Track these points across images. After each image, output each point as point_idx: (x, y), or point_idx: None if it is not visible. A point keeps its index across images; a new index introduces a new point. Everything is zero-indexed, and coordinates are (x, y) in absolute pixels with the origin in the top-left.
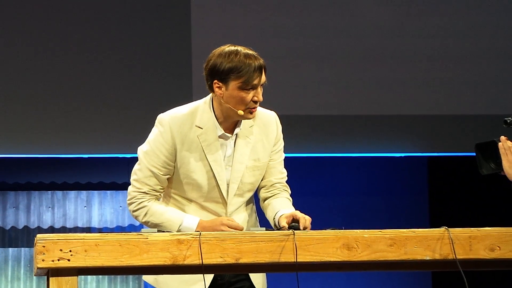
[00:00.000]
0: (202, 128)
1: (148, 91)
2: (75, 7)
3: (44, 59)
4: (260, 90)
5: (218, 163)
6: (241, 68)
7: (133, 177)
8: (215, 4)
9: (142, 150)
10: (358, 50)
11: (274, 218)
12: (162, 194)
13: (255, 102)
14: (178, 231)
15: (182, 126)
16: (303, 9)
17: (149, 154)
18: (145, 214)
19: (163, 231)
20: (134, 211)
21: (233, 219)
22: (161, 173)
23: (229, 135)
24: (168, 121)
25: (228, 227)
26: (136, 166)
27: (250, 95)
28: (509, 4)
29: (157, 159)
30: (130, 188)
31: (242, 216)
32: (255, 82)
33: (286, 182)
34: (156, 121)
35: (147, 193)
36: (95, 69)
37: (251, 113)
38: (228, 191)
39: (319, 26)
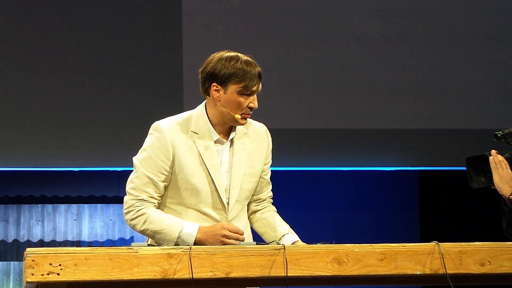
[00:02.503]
0: (197, 134)
1: (138, 105)
2: (66, 19)
3: (34, 74)
4: (255, 97)
5: (215, 167)
6: (243, 74)
7: (129, 185)
8: (207, 16)
9: (138, 158)
10: (349, 65)
11: (279, 240)
12: (159, 203)
13: (250, 108)
14: (178, 237)
15: (178, 132)
16: (294, 21)
17: (146, 160)
18: (144, 222)
19: (154, 245)
20: (132, 219)
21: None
22: (159, 179)
23: (224, 140)
24: (165, 126)
25: (229, 231)
26: (132, 175)
27: (247, 101)
28: (498, 17)
29: (155, 165)
30: (126, 197)
31: (242, 224)
32: (254, 88)
33: (274, 195)
34: (151, 128)
35: (145, 200)
36: (85, 83)
37: (245, 118)
38: (229, 197)
39: (309, 38)
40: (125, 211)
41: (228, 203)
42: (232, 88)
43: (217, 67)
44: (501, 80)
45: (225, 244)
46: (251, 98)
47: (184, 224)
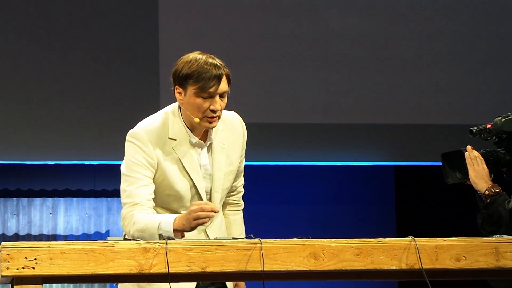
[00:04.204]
0: (175, 140)
1: (114, 99)
2: (47, 14)
3: (7, 67)
4: (217, 99)
5: (196, 171)
6: (198, 74)
7: (122, 196)
8: (184, 11)
9: (125, 167)
10: (325, 59)
11: None
12: (151, 207)
13: (213, 111)
14: (159, 228)
15: (158, 140)
16: (274, 16)
17: (134, 168)
18: (133, 224)
19: (130, 239)
20: (126, 225)
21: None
22: (150, 182)
23: (202, 142)
24: (145, 135)
25: (196, 205)
26: (122, 186)
27: (206, 103)
28: (479, 10)
29: (144, 170)
30: (122, 210)
31: (219, 219)
32: (211, 90)
33: (251, 190)
34: (130, 137)
35: (138, 204)
36: (61, 77)
37: (210, 122)
38: (210, 200)
39: (288, 33)
40: (122, 223)
41: None
42: (190, 89)
43: (178, 69)
44: (476, 76)
45: (198, 218)
46: (211, 100)
47: (164, 216)
